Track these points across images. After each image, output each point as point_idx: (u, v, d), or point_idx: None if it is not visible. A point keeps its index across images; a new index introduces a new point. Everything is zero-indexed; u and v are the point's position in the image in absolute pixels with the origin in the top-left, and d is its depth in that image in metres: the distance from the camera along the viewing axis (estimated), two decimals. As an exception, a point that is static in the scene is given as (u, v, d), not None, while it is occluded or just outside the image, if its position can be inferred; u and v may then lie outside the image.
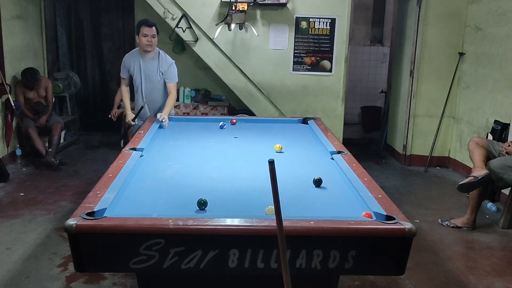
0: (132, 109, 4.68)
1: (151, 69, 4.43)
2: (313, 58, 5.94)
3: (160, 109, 4.45)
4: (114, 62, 7.41)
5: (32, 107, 5.98)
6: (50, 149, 5.92)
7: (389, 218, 2.14)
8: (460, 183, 4.19)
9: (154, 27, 4.29)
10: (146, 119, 4.43)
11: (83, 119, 7.28)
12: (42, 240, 3.87)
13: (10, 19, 5.83)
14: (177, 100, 6.72)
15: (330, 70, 5.96)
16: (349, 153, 3.23)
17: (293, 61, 5.95)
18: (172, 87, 4.49)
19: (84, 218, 2.05)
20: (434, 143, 6.22)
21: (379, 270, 2.28)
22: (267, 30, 5.86)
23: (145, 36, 4.26)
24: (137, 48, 4.50)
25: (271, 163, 1.57)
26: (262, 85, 5.97)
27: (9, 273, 3.38)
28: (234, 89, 6.07)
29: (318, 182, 2.64)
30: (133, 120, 4.46)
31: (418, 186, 5.58)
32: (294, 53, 5.93)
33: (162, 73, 4.42)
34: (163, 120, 4.13)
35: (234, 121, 4.29)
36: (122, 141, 5.51)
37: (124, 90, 4.59)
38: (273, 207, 2.34)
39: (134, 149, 3.20)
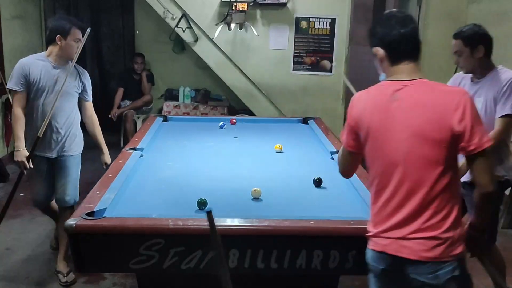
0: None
1: (69, 81, 3.25)
2: (313, 58, 5.94)
3: (74, 137, 3.40)
4: (114, 62, 7.41)
5: (32, 107, 5.95)
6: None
7: (389, 218, 2.14)
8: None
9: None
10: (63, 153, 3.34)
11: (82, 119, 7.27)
12: (42, 240, 3.87)
13: (9, 19, 5.82)
14: (177, 100, 6.74)
15: (330, 70, 5.96)
16: (349, 153, 3.23)
17: (293, 61, 5.94)
18: (91, 107, 3.50)
19: (84, 218, 2.05)
20: (434, 143, 6.21)
21: (379, 270, 2.28)
22: (267, 30, 5.85)
23: (77, 42, 3.26)
24: (40, 54, 3.33)
25: (209, 213, 1.54)
26: (262, 85, 5.96)
27: (9, 273, 3.38)
28: (234, 89, 6.06)
29: (318, 182, 2.63)
30: (28, 160, 3.19)
31: (418, 186, 5.56)
32: (294, 53, 5.92)
33: (83, 86, 3.38)
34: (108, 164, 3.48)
35: (234, 121, 4.28)
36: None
37: (19, 116, 3.21)
38: (258, 188, 2.38)
39: (134, 149, 3.20)
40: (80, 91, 3.37)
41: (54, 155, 3.32)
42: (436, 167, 1.74)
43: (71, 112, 3.33)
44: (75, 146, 3.43)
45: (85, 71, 3.43)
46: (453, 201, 1.77)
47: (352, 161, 2.00)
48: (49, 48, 3.27)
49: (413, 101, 1.77)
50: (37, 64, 3.22)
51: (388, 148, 1.79)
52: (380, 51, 1.88)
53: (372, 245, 1.85)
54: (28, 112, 3.25)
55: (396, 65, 1.86)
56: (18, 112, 3.22)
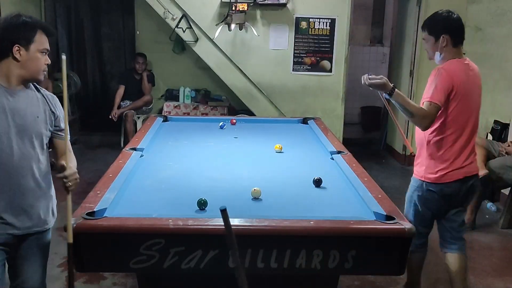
0: None
1: (33, 114, 2.15)
2: (313, 58, 5.94)
3: (48, 199, 2.29)
4: (114, 62, 7.43)
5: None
6: (50, 149, 5.92)
7: (389, 218, 2.15)
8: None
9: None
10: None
11: (83, 119, 7.28)
12: (42, 240, 3.87)
13: (10, 19, 5.83)
14: (177, 100, 6.74)
15: (330, 70, 5.96)
16: (349, 153, 3.24)
17: (293, 61, 5.95)
18: (69, 146, 2.31)
19: (84, 218, 2.05)
20: (434, 143, 6.21)
21: (379, 270, 2.28)
22: (267, 30, 5.86)
23: (43, 53, 2.12)
24: None
25: (224, 211, 1.62)
26: (262, 85, 5.97)
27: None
28: (234, 89, 6.07)
29: (318, 182, 2.64)
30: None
31: (418, 186, 5.57)
32: (294, 53, 5.93)
33: (56, 119, 2.25)
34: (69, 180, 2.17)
35: (234, 121, 4.29)
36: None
37: None
38: (258, 188, 2.39)
39: (134, 149, 3.20)
40: (52, 127, 2.25)
41: (19, 231, 2.17)
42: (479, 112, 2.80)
43: (40, 160, 2.21)
44: (50, 214, 2.30)
45: (54, 96, 2.28)
46: None
47: (436, 115, 2.64)
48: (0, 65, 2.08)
49: (476, 71, 2.76)
50: None
51: (471, 104, 2.71)
52: (447, 37, 2.68)
53: (455, 177, 2.71)
54: None
55: (457, 47, 2.72)
56: None
